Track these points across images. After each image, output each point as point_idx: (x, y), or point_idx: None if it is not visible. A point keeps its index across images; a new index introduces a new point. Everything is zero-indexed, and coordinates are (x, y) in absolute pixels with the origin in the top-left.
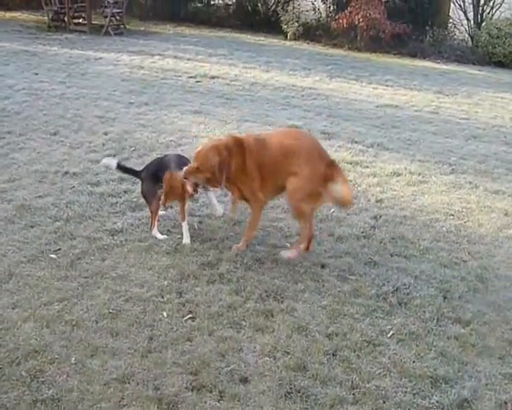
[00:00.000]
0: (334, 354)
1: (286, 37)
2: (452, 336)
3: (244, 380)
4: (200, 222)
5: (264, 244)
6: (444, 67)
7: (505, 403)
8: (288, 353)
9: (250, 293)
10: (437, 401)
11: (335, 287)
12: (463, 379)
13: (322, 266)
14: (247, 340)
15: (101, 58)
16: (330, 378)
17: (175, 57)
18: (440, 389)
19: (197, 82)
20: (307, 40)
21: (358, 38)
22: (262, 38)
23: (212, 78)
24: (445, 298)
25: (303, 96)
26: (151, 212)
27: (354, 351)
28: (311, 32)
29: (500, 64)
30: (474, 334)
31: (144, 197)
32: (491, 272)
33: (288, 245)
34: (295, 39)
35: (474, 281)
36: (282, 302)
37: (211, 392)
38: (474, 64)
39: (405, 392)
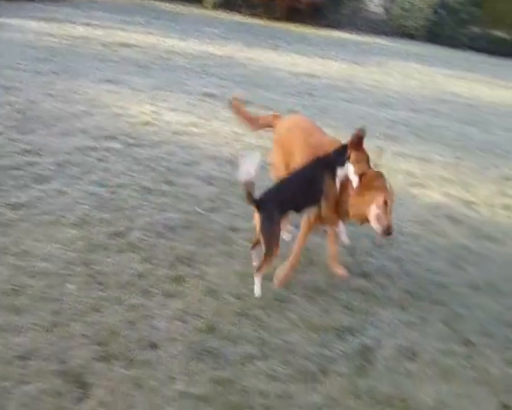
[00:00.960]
0: (244, 314)
1: (206, 6)
2: (357, 289)
3: (154, 346)
4: (113, 192)
5: (176, 211)
6: (358, 38)
7: (404, 348)
8: (200, 316)
9: (161, 260)
10: (341, 351)
11: (246, 249)
12: (367, 329)
13: (234, 230)
14: (158, 307)
15: (6, 24)
16: (240, 337)
17: (87, 25)
18: (345, 340)
19: (112, 50)
20: (227, 10)
21: (277, 8)
22: (181, 7)
23: (127, 46)
24: (351, 254)
25: (221, 64)
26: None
27: (263, 309)
28: (231, 2)
29: (411, 36)
30: (378, 286)
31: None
32: (396, 229)
33: (198, 209)
34: (215, 8)
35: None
36: (193, 268)
37: (119, 360)
38: (387, 36)
39: (312, 344)
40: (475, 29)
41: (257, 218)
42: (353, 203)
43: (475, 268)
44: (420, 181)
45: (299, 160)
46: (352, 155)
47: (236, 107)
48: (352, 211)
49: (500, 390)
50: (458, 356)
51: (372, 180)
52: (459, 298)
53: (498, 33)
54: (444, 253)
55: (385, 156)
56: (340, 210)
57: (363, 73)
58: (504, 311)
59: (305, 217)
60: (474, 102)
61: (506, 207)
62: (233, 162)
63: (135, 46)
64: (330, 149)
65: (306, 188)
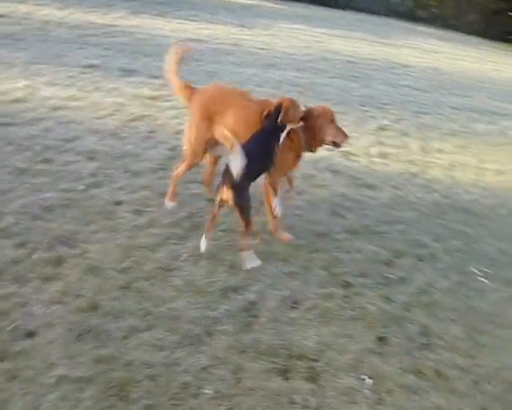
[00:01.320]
0: (127, 288)
1: None
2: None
3: (30, 334)
4: None
5: (55, 190)
6: (246, 1)
7: (287, 298)
8: (80, 295)
9: (38, 243)
10: (226, 310)
11: (130, 222)
12: (250, 285)
13: (117, 204)
14: (34, 292)
15: None
16: (123, 311)
17: None
18: (229, 299)
19: None
20: None
21: None
22: None
23: None
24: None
25: (103, 33)
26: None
27: (148, 280)
28: None
29: None
30: (262, 243)
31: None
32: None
33: (81, 187)
34: None
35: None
36: (73, 247)
37: None
38: None
39: (197, 308)
40: None
41: (229, 193)
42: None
43: (353, 215)
44: None
45: (231, 124)
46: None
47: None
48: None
49: (376, 325)
50: (337, 298)
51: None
52: (338, 244)
53: None
54: (324, 204)
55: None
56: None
57: (251, 36)
58: (380, 250)
59: (265, 182)
60: (354, 58)
61: (382, 155)
62: (116, 134)
63: (4, 16)
64: (262, 109)
65: (266, 156)
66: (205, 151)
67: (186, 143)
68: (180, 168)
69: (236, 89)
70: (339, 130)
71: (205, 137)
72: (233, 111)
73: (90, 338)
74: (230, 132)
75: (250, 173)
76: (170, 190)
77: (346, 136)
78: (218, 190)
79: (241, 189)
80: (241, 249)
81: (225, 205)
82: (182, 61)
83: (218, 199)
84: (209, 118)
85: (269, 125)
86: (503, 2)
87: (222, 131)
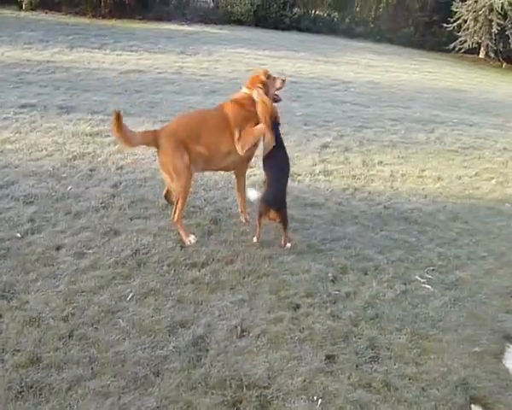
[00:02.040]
0: (70, 336)
1: (21, 7)
2: (188, 281)
3: None
4: None
5: None
6: (188, 28)
7: (235, 327)
8: (19, 350)
9: None
10: (174, 347)
11: (72, 266)
12: (198, 318)
13: (58, 248)
14: None
15: None
16: (67, 361)
17: None
18: (177, 335)
19: None
20: (46, 9)
21: (102, 4)
22: None
23: None
24: (182, 247)
25: (39, 70)
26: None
27: (92, 325)
28: (50, 0)
29: (239, 22)
30: (209, 273)
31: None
32: (224, 212)
33: (19, 235)
34: (32, 9)
35: (208, 224)
36: (11, 299)
37: None
38: (215, 24)
39: (144, 348)
40: (298, 10)
41: (277, 214)
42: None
43: (299, 235)
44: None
45: (205, 138)
46: None
47: (117, 121)
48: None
49: (325, 344)
50: (286, 321)
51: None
52: (285, 266)
53: (319, 13)
54: (270, 226)
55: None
56: None
57: (192, 63)
58: (325, 268)
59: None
60: (296, 78)
61: (326, 173)
62: (55, 175)
63: None
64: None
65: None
66: (191, 174)
67: (170, 183)
68: (178, 208)
69: (195, 111)
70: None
71: (186, 164)
72: (201, 127)
73: (31, 395)
74: (207, 145)
75: (284, 190)
76: (182, 233)
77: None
78: (263, 212)
79: (284, 206)
80: (287, 242)
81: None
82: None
83: (264, 218)
84: (181, 144)
85: (276, 137)
86: (437, 14)
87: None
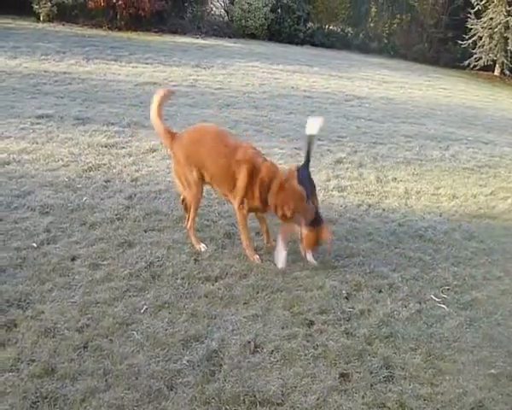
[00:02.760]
0: (85, 347)
1: (38, 18)
2: (202, 294)
3: None
4: None
5: (6, 249)
6: (202, 41)
7: (249, 343)
8: (34, 360)
9: None
10: (187, 361)
11: (87, 277)
12: (212, 332)
13: (73, 259)
14: None
15: None
16: (81, 372)
17: None
18: (191, 349)
19: None
20: (63, 21)
21: (118, 17)
22: (9, 21)
23: None
24: (196, 260)
25: (56, 81)
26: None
27: (106, 337)
28: (67, 13)
29: (253, 36)
30: (222, 287)
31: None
32: (237, 227)
33: (35, 245)
34: (49, 21)
35: (222, 239)
36: (26, 309)
37: None
38: (229, 37)
39: (158, 361)
40: (312, 25)
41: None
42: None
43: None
44: None
45: (210, 170)
46: None
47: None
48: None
49: (339, 362)
50: (300, 338)
51: None
52: (299, 282)
53: (333, 28)
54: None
55: None
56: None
57: (206, 76)
58: (339, 285)
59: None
60: (310, 93)
61: (339, 189)
62: (71, 186)
63: None
64: (243, 150)
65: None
66: (202, 186)
67: (183, 191)
68: (190, 217)
69: (215, 130)
70: None
71: (196, 176)
72: (210, 158)
73: (45, 405)
74: (209, 176)
75: None
76: (194, 241)
77: None
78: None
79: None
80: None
81: None
82: (165, 102)
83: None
84: (190, 163)
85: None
86: (451, 31)
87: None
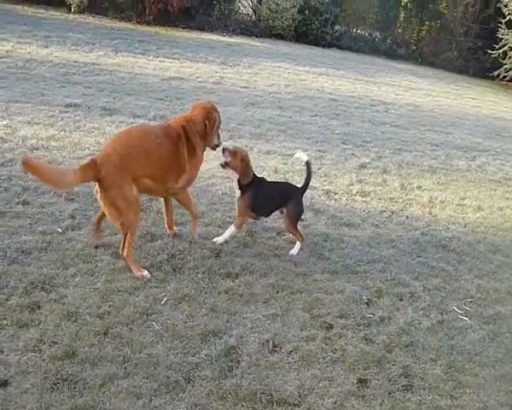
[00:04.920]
0: (105, 333)
1: (70, 9)
2: (222, 290)
3: (4, 384)
4: None
5: (32, 233)
6: (229, 39)
7: (267, 341)
8: (56, 342)
9: (13, 288)
10: (206, 355)
11: (109, 265)
12: (231, 328)
13: (96, 246)
14: (9, 339)
15: None
16: (101, 358)
17: None
18: (209, 343)
19: None
20: (93, 13)
21: (147, 11)
22: (41, 11)
23: None
24: (217, 256)
25: (85, 72)
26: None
27: (127, 325)
28: (97, 5)
29: (279, 36)
30: (242, 285)
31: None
32: (259, 225)
33: (60, 230)
34: (80, 12)
35: (243, 236)
36: (50, 292)
37: None
38: (256, 36)
39: (176, 353)
40: (339, 28)
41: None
42: None
43: (334, 254)
44: (285, 176)
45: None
46: None
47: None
48: None
49: (357, 367)
50: (318, 340)
51: None
52: (319, 284)
53: (360, 32)
54: (306, 243)
55: (250, 154)
56: None
57: (232, 74)
58: (360, 290)
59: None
60: (336, 96)
61: (363, 194)
62: None
63: None
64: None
65: None
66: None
67: (119, 217)
68: (128, 242)
69: (136, 128)
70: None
71: (136, 191)
72: (147, 153)
73: (66, 387)
74: (146, 180)
75: None
76: (134, 268)
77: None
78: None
79: None
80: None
81: None
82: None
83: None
84: (126, 175)
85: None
86: (481, 40)
87: None
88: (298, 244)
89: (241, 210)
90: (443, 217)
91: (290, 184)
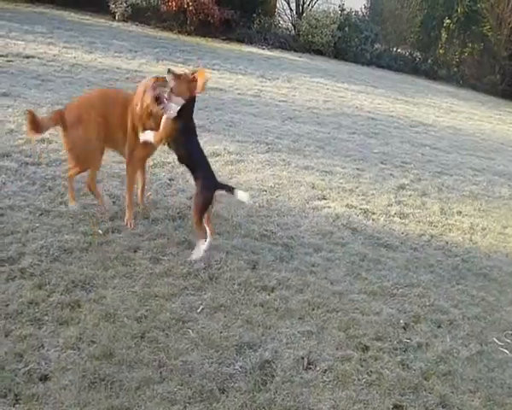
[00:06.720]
0: (142, 337)
1: (114, 17)
2: (258, 303)
3: (44, 378)
4: (2, 215)
5: (74, 232)
6: (268, 53)
7: (302, 358)
8: (94, 342)
9: (55, 286)
10: (240, 367)
11: (147, 269)
12: (266, 342)
13: (135, 250)
14: (49, 335)
15: None
16: (137, 361)
17: None
18: (244, 355)
19: (8, 61)
20: (136, 22)
21: (188, 21)
22: (87, 17)
23: (27, 57)
24: (253, 268)
25: (127, 78)
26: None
27: (163, 330)
28: (141, 14)
29: (318, 52)
30: (278, 299)
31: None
32: (296, 240)
33: (100, 232)
34: (124, 20)
35: (280, 250)
36: (90, 291)
37: (5, 397)
38: (295, 51)
39: (211, 363)
40: (379, 46)
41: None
42: None
43: (371, 275)
44: (322, 193)
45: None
46: None
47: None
48: None
49: (393, 392)
50: (354, 361)
51: None
52: (356, 304)
53: (400, 51)
54: (342, 262)
55: (287, 169)
56: None
57: (271, 88)
58: (397, 314)
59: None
60: (374, 115)
61: (401, 215)
62: (136, 181)
63: (34, 57)
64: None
65: None
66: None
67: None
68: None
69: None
70: None
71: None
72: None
73: (103, 387)
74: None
75: None
76: (69, 193)
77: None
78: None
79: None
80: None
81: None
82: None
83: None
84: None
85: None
86: None
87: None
88: (198, 244)
89: (166, 126)
90: (484, 245)
91: (211, 169)
